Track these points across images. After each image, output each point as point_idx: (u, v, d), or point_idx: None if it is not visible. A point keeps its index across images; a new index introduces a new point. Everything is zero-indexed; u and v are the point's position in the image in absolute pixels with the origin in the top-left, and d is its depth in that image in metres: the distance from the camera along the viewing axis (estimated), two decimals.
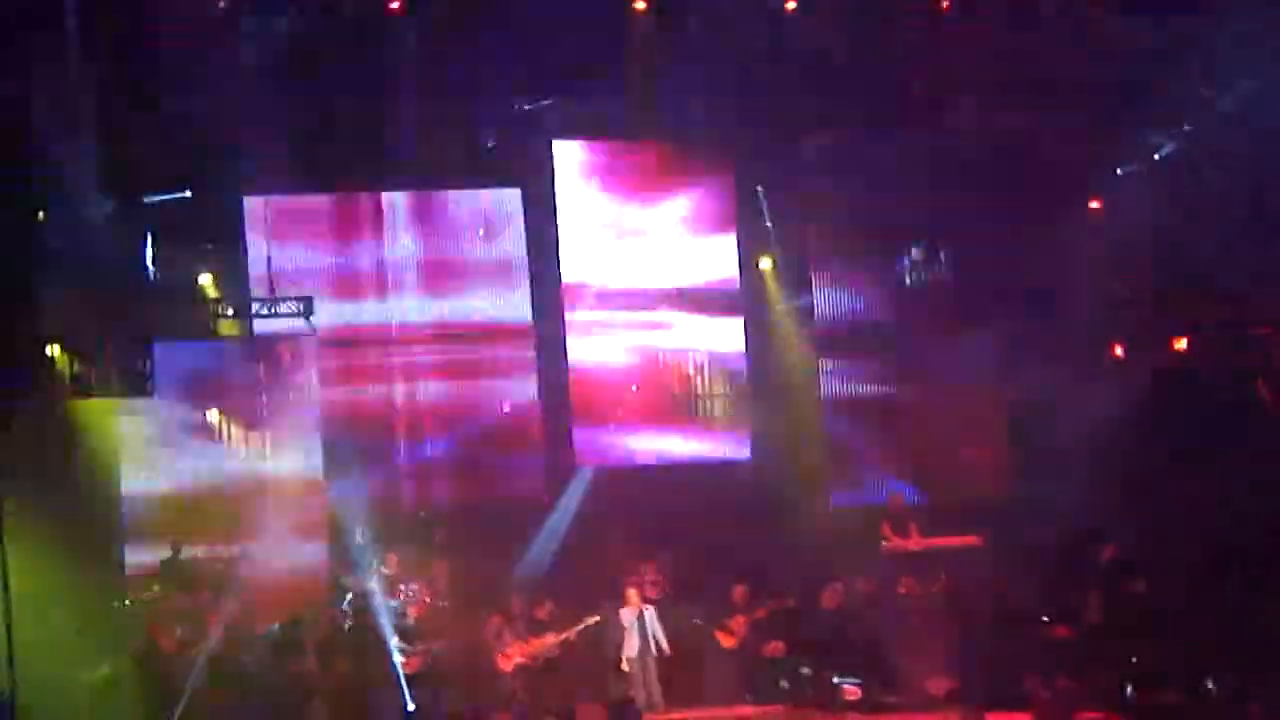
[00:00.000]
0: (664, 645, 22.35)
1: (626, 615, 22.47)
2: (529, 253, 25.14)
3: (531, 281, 25.16)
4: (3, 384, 17.70)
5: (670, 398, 25.56)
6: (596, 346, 25.26)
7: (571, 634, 22.30)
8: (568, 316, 25.13)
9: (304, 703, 21.10)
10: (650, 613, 22.42)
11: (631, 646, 22.38)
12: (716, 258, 25.61)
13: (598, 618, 22.53)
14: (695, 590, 23.44)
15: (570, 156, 25.31)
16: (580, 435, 25.10)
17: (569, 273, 25.14)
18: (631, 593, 22.54)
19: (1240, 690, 19.05)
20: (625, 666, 22.51)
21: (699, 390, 25.65)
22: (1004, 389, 25.18)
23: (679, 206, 25.50)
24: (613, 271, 25.35)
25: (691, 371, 25.59)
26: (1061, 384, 23.81)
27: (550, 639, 22.19)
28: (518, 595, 22.51)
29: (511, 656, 22.04)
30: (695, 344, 25.59)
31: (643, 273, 25.45)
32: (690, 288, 25.52)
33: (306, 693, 21.30)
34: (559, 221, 25.10)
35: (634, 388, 25.40)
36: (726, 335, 25.63)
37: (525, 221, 25.14)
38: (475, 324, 25.08)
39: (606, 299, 25.30)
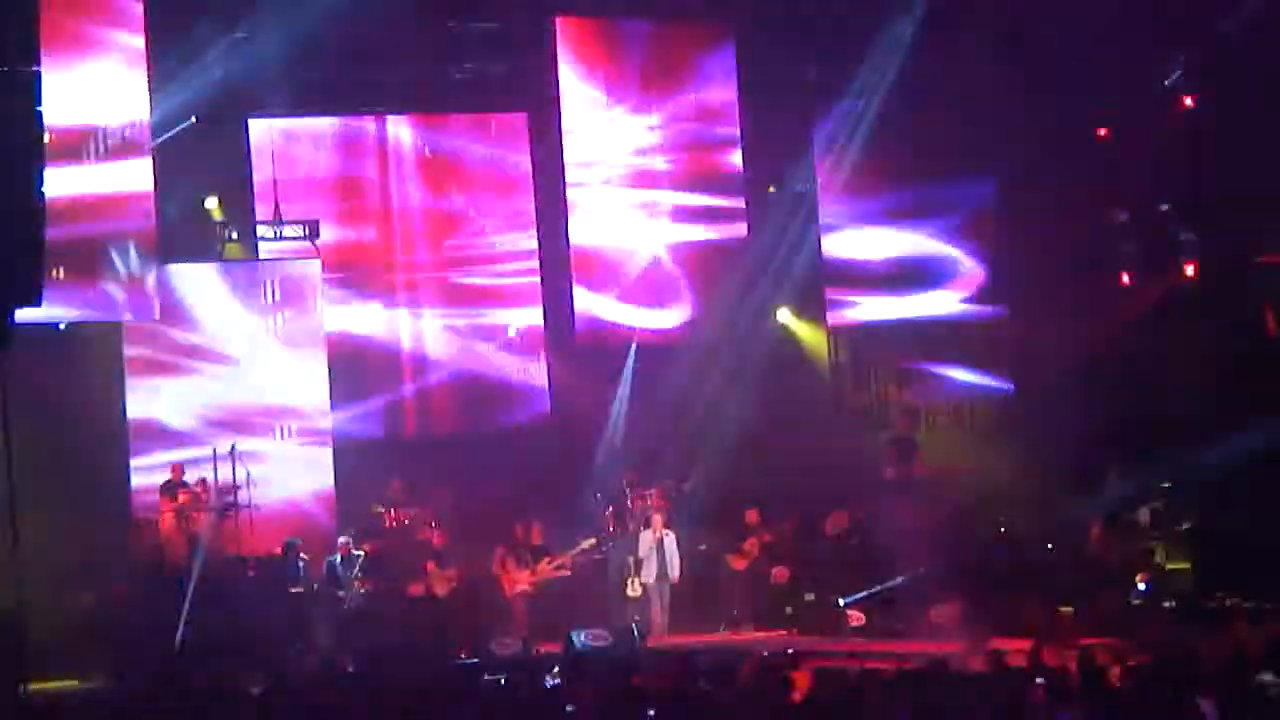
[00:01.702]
0: (677, 571, 22.41)
1: (645, 541, 22.50)
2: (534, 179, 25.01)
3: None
4: (9, 305, 17.54)
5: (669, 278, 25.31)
6: (598, 225, 24.98)
7: (567, 559, 22.38)
8: (570, 195, 24.75)
9: (309, 626, 21.19)
10: (670, 539, 22.47)
11: (649, 572, 22.45)
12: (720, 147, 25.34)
13: (593, 540, 22.59)
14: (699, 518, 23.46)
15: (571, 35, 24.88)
16: (581, 310, 24.88)
17: (573, 174, 24.81)
18: (656, 518, 22.56)
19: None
20: (633, 592, 22.60)
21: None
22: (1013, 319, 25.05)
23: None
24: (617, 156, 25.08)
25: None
26: (1067, 309, 23.80)
27: (548, 562, 22.26)
28: (519, 523, 22.52)
29: (515, 584, 22.11)
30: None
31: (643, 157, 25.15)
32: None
33: (311, 616, 21.40)
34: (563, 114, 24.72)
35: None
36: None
37: (531, 146, 25.01)
38: (481, 248, 24.94)
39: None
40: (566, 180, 24.64)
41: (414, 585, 22.06)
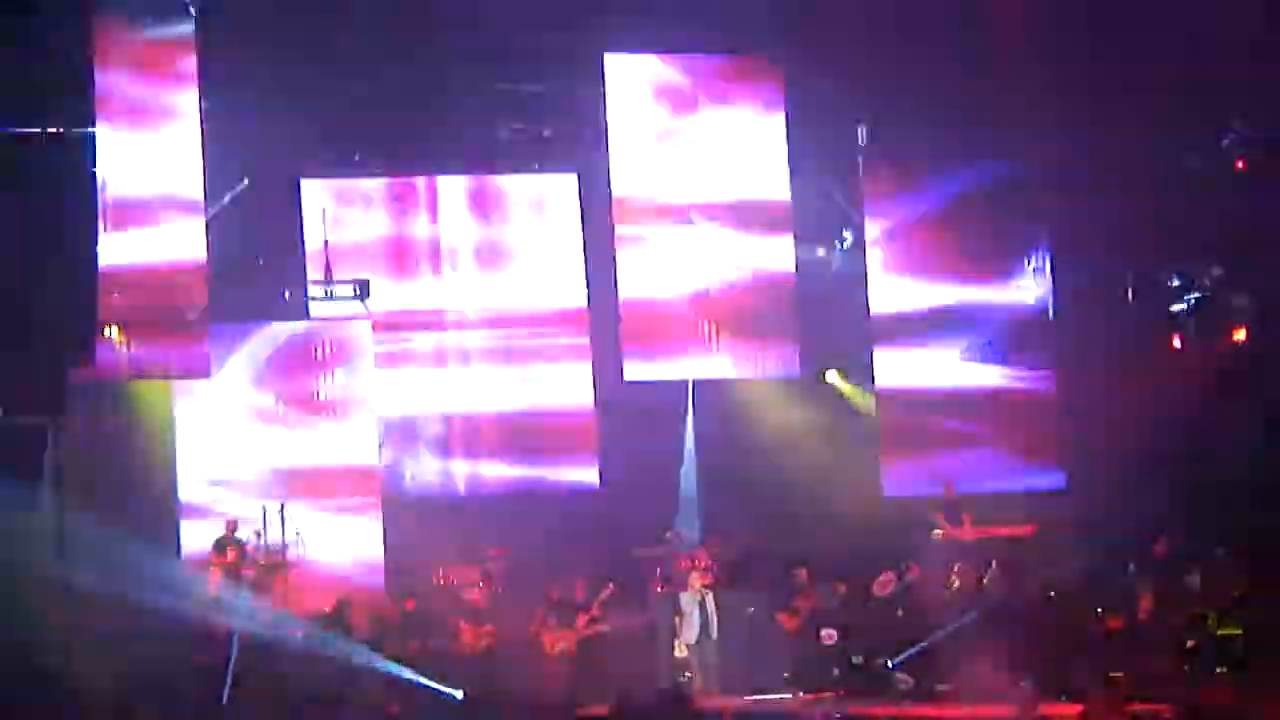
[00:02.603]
0: (715, 631, 22.42)
1: (687, 600, 22.52)
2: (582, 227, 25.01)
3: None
4: (62, 366, 17.78)
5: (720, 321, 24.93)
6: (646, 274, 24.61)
7: (595, 607, 22.36)
8: (618, 230, 24.39)
9: (353, 685, 21.21)
10: (710, 598, 22.46)
11: (691, 632, 22.43)
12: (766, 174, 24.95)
13: (610, 589, 22.53)
14: (746, 577, 23.42)
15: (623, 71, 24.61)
16: (630, 364, 24.50)
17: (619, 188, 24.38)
18: (694, 577, 22.58)
19: None
20: (680, 652, 22.60)
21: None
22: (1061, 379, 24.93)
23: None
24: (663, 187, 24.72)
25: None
26: (1117, 374, 23.74)
27: (585, 619, 22.27)
28: (555, 583, 22.54)
29: (555, 643, 22.13)
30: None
31: (691, 187, 24.79)
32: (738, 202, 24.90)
33: (356, 675, 21.42)
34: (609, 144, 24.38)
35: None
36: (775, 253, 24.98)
37: (580, 206, 25.05)
38: (529, 309, 25.02)
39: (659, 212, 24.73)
40: (614, 221, 24.41)
41: (459, 642, 22.09)
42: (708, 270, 24.72)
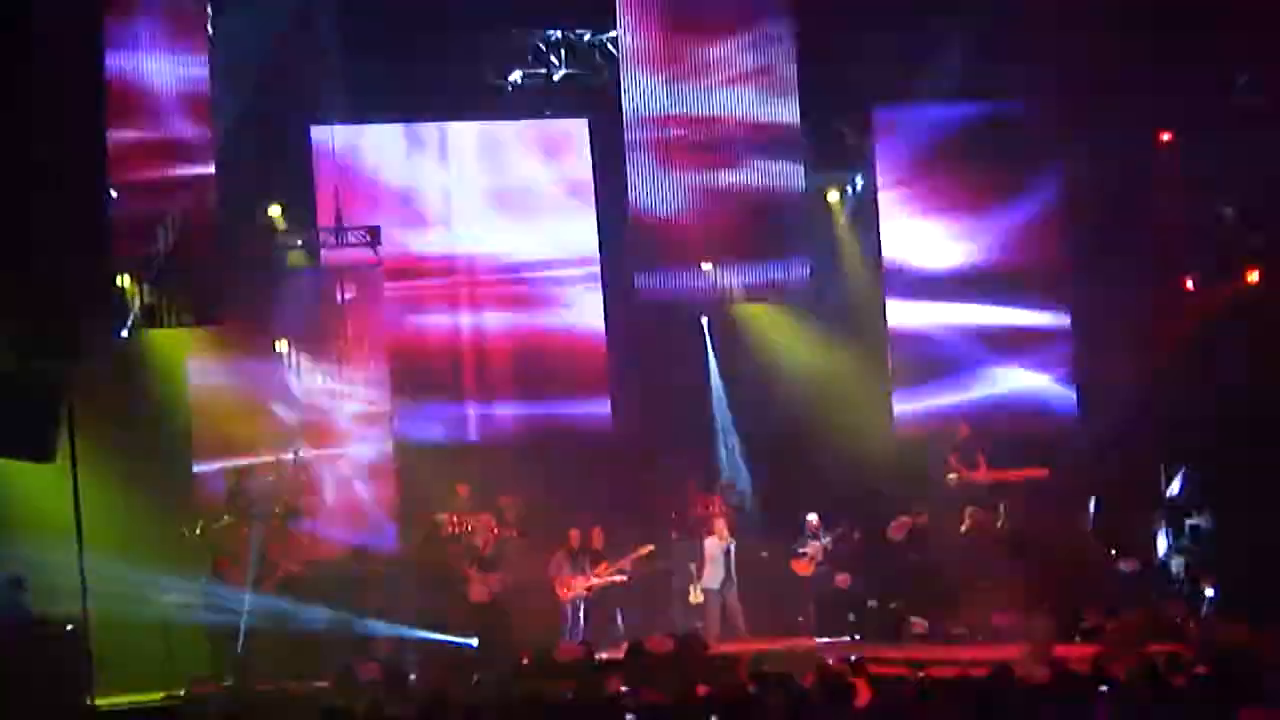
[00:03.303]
0: (736, 578, 22.48)
1: (712, 546, 22.54)
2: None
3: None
4: (74, 314, 17.78)
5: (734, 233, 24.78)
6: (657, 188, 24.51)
7: (626, 563, 22.41)
8: (629, 153, 24.27)
9: (367, 634, 21.27)
10: (733, 545, 22.48)
11: (715, 578, 22.49)
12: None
13: (650, 547, 22.61)
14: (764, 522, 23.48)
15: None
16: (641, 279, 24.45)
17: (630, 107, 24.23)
18: (720, 524, 22.58)
19: None
20: (696, 598, 22.66)
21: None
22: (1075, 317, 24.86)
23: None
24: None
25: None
26: (1131, 315, 23.70)
27: (605, 568, 22.31)
28: (575, 528, 22.56)
29: (571, 589, 22.16)
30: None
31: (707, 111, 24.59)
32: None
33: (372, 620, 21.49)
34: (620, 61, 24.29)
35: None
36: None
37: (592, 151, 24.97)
38: (543, 252, 24.97)
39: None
40: (626, 143, 24.30)
41: (473, 590, 22.12)
42: (719, 186, 24.58)
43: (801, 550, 23.02)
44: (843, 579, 22.93)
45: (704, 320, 25.24)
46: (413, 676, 18.74)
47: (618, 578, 22.39)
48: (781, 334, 25.05)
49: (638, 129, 24.33)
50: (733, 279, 24.60)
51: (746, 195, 24.55)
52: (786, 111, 24.44)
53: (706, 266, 24.39)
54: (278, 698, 17.47)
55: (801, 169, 24.57)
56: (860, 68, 24.03)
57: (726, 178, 24.62)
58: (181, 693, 18.93)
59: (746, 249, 24.56)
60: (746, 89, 24.49)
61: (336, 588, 21.65)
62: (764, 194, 24.55)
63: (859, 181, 25.52)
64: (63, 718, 16.65)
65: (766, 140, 24.52)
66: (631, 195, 24.28)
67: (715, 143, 24.54)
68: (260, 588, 21.16)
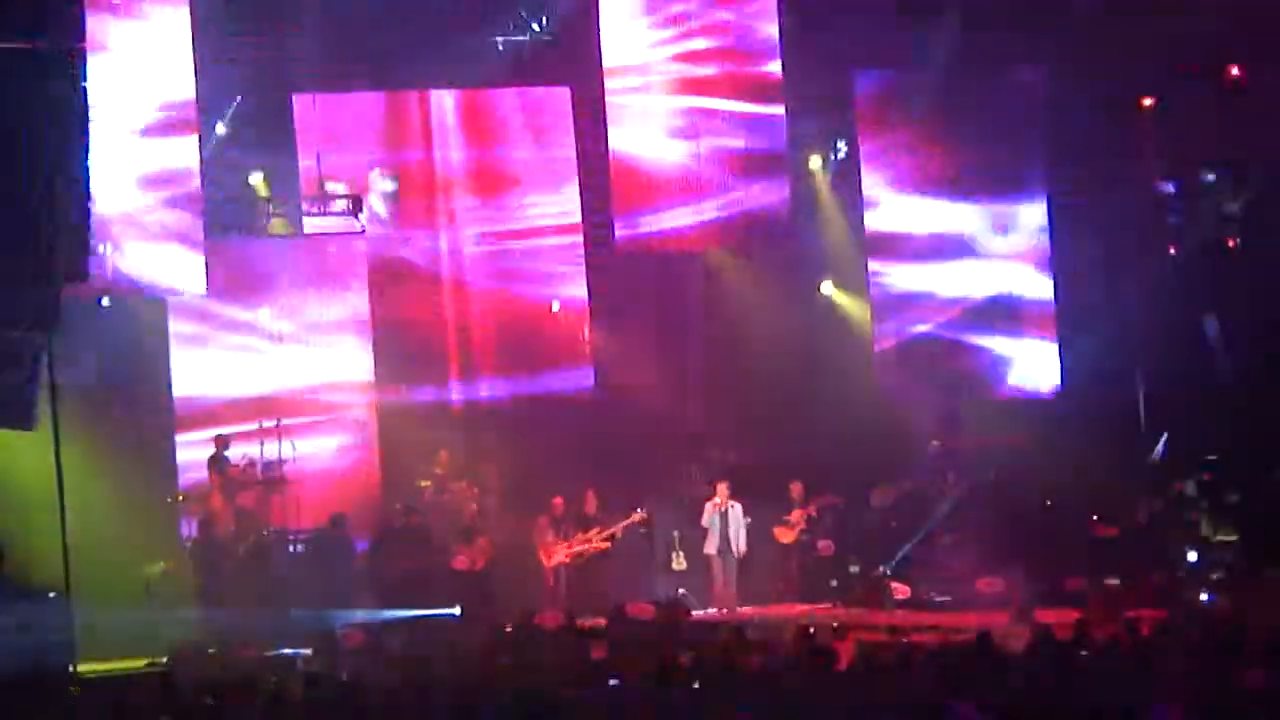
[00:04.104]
0: (743, 544, 22.42)
1: (707, 511, 22.49)
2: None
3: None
4: (56, 281, 17.71)
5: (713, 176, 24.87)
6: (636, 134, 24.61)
7: (618, 529, 22.41)
8: (609, 97, 24.39)
9: (350, 596, 21.26)
10: (736, 510, 22.44)
11: (712, 543, 22.41)
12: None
13: (645, 513, 22.61)
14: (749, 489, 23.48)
15: None
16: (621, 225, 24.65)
17: (610, 56, 24.40)
18: (722, 487, 22.54)
19: None
20: (678, 565, 22.66)
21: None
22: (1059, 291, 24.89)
23: None
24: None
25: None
26: (1115, 280, 23.73)
27: (595, 534, 22.29)
28: (560, 495, 22.55)
29: (554, 555, 22.16)
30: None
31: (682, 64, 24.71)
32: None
33: (356, 588, 21.49)
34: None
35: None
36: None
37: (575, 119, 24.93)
38: (526, 221, 24.94)
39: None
40: (605, 88, 24.35)
41: (456, 559, 22.12)
42: (698, 133, 24.64)
43: (785, 518, 23.03)
44: (825, 546, 22.96)
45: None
46: (395, 645, 18.73)
47: (601, 545, 22.37)
48: (760, 290, 25.02)
49: (618, 76, 24.33)
50: (712, 221, 24.67)
51: (726, 140, 24.61)
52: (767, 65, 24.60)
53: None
54: (261, 665, 17.43)
55: (783, 115, 24.59)
56: (843, 33, 24.07)
57: (707, 125, 24.65)
58: (164, 660, 18.91)
59: (725, 192, 24.63)
60: (726, 42, 24.57)
61: (318, 554, 21.66)
62: (744, 138, 24.65)
63: (841, 147, 25.48)
64: (46, 685, 16.59)
65: (748, 86, 24.58)
66: (612, 142, 24.32)
67: (693, 89, 24.57)
68: (241, 554, 21.15)
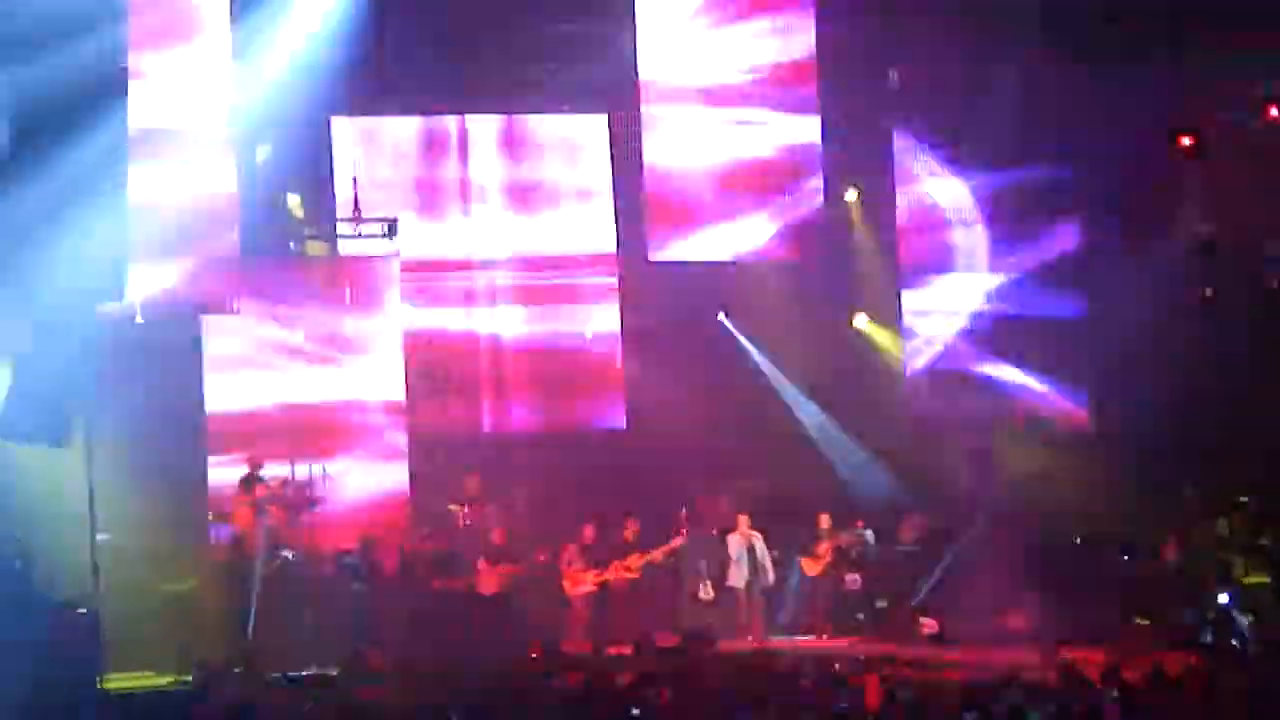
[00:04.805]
0: (770, 575, 22.39)
1: (735, 543, 22.45)
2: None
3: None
4: (92, 301, 17.78)
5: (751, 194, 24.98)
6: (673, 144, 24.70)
7: (659, 555, 22.39)
8: (645, 109, 24.51)
9: (379, 623, 21.26)
10: (760, 540, 22.41)
11: (739, 576, 22.40)
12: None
13: (681, 542, 22.60)
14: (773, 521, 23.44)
15: None
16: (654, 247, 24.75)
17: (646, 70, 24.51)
18: (743, 519, 22.52)
19: None
20: (705, 595, 22.63)
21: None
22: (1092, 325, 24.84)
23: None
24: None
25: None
26: (1148, 317, 23.68)
27: (633, 562, 22.28)
28: (591, 524, 22.54)
29: (580, 583, 22.15)
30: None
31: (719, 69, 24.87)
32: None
33: (381, 613, 21.48)
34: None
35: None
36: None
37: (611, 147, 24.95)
38: (558, 250, 24.96)
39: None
40: (641, 109, 24.47)
41: (482, 583, 22.13)
42: (733, 148, 24.73)
43: (813, 550, 23.00)
44: (852, 579, 22.92)
45: (723, 317, 25.22)
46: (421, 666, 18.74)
47: (630, 575, 22.35)
48: (791, 320, 25.04)
49: (654, 95, 24.42)
50: (747, 242, 24.76)
51: (763, 158, 24.72)
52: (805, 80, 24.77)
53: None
54: (287, 684, 17.46)
55: (818, 126, 24.67)
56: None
57: (742, 143, 24.72)
58: (190, 678, 18.95)
59: (760, 208, 24.74)
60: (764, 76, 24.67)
61: (345, 576, 21.70)
62: (781, 156, 24.75)
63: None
64: (74, 699, 16.66)
65: (783, 102, 24.70)
66: (647, 159, 24.42)
67: (728, 102, 24.68)
68: (270, 575, 21.18)
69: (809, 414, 25.06)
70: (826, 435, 24.99)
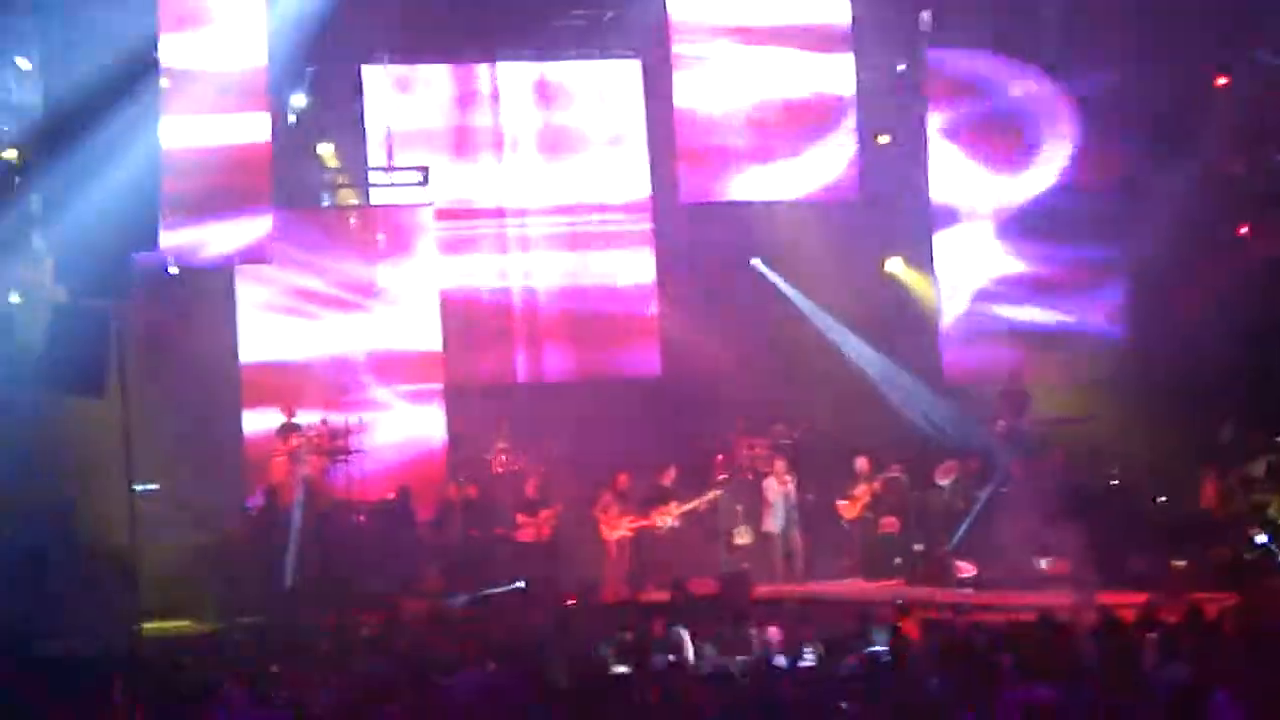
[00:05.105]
0: (796, 520, 22.41)
1: (773, 489, 22.40)
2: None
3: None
4: (126, 251, 17.83)
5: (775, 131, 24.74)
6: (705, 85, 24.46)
7: (700, 504, 22.41)
8: (675, 49, 24.26)
9: (417, 567, 21.35)
10: (793, 486, 22.38)
11: (775, 521, 22.32)
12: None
13: (719, 492, 22.63)
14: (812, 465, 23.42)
15: None
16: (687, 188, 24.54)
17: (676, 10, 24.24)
18: (780, 464, 22.47)
19: None
20: (741, 539, 22.64)
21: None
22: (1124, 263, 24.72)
23: None
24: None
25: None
26: (1183, 260, 23.55)
27: (673, 508, 22.29)
28: (625, 471, 22.55)
29: (616, 529, 22.17)
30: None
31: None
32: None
33: (420, 559, 21.57)
34: None
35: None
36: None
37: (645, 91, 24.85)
38: (592, 197, 24.90)
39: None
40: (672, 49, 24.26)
41: (520, 531, 22.18)
42: (765, 88, 24.52)
43: (850, 492, 22.99)
44: (889, 523, 22.88)
45: (758, 262, 25.17)
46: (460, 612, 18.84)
47: (667, 523, 22.35)
48: (827, 264, 24.97)
49: (684, 35, 24.22)
50: (781, 184, 24.61)
51: (795, 99, 24.55)
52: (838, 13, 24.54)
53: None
54: (322, 631, 17.54)
55: (852, 65, 24.52)
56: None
57: (775, 83, 24.53)
58: (226, 624, 19.08)
59: (794, 150, 24.54)
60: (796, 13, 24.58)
61: (381, 526, 21.78)
62: (813, 97, 24.58)
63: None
64: (112, 644, 16.79)
65: (816, 40, 24.48)
66: (678, 102, 24.21)
67: (761, 40, 24.45)
68: (307, 525, 21.25)
69: (858, 351, 24.97)
70: (881, 371, 24.93)
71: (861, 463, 23.08)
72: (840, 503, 23.00)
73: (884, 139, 25.33)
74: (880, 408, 23.97)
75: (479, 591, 20.57)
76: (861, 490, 22.95)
